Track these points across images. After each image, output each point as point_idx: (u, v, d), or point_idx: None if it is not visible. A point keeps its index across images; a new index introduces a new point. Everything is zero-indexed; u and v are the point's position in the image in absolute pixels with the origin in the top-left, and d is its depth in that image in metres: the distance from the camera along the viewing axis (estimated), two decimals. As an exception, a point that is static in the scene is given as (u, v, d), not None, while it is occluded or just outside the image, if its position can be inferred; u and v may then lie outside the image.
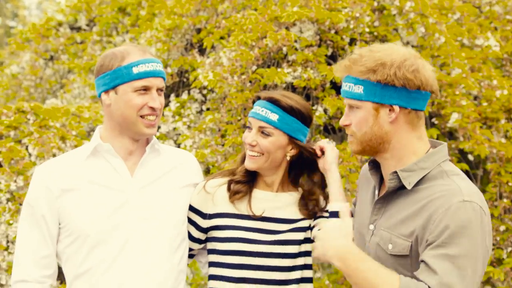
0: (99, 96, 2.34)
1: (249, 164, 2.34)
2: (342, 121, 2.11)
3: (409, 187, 2.03)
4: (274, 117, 2.30)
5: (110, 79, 2.28)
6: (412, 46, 4.28)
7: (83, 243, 2.21)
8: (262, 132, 2.32)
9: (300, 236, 2.37)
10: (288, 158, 2.38)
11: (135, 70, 2.26)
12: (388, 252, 2.02)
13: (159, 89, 2.31)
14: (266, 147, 2.31)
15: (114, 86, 2.28)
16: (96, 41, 6.01)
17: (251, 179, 2.41)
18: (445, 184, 1.98)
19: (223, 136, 4.07)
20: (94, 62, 5.69)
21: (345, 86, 2.07)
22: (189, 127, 4.41)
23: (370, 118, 2.05)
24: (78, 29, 6.56)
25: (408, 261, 1.98)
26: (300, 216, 2.40)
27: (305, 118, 2.37)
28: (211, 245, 2.39)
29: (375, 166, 2.20)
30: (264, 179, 2.41)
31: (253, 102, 2.41)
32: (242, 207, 2.37)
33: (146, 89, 2.27)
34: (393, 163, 2.09)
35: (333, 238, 2.01)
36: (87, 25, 6.47)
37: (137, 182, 2.30)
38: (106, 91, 2.29)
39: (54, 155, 4.05)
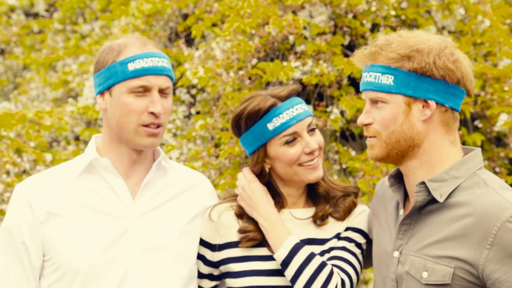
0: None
1: (319, 173, 2.41)
2: (362, 119, 2.15)
3: (440, 199, 2.08)
4: (306, 107, 2.46)
5: (104, 78, 2.29)
6: (449, 32, 4.34)
7: (73, 280, 2.23)
8: (311, 130, 2.42)
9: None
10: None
11: (131, 66, 2.25)
12: (423, 281, 2.06)
13: (162, 90, 2.30)
14: (322, 142, 2.45)
15: (109, 87, 2.30)
16: (57, 31, 6.09)
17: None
18: (484, 195, 2.04)
19: (217, 145, 4.12)
20: (55, 57, 5.76)
21: (369, 77, 2.12)
22: (175, 135, 4.46)
23: (400, 114, 2.10)
24: (35, 15, 6.63)
25: None
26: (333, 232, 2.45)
27: None
28: (227, 283, 2.44)
29: (397, 181, 2.26)
30: (293, 193, 2.47)
31: (255, 119, 2.39)
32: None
33: (145, 89, 2.27)
34: (422, 173, 2.14)
35: None
36: (47, 10, 6.55)
37: (139, 207, 2.33)
38: (102, 93, 2.32)
39: (7, 173, 4.11)
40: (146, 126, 2.27)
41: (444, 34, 4.30)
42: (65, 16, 6.13)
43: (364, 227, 2.47)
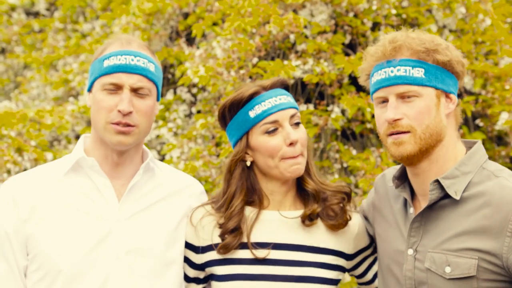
0: None
1: (300, 167, 2.35)
2: (393, 115, 2.10)
3: (457, 196, 2.09)
4: (292, 99, 2.41)
5: (89, 76, 2.33)
6: (450, 31, 4.34)
7: (54, 280, 2.22)
8: (294, 124, 2.37)
9: (328, 274, 2.37)
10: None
11: (106, 63, 2.26)
12: (447, 276, 2.07)
13: (136, 90, 2.27)
14: (305, 138, 2.38)
15: (91, 84, 2.32)
16: (58, 30, 6.10)
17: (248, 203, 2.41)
18: (497, 185, 2.06)
19: (217, 144, 4.13)
20: (56, 56, 5.77)
21: (397, 71, 2.10)
22: (175, 134, 4.47)
23: (433, 108, 2.11)
24: (36, 14, 6.64)
25: (473, 283, 2.04)
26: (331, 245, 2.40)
27: None
28: (213, 286, 2.41)
29: (401, 182, 2.26)
30: (278, 191, 2.40)
31: (237, 107, 2.37)
32: (245, 234, 2.38)
33: (116, 87, 2.26)
34: (435, 169, 2.15)
35: None
36: (47, 9, 6.56)
37: (124, 210, 2.31)
38: (89, 91, 2.34)
39: (8, 171, 4.11)
40: (116, 124, 2.25)
41: (445, 33, 4.30)
42: (65, 15, 6.14)
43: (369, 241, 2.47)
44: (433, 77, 2.11)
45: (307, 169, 2.41)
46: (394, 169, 2.37)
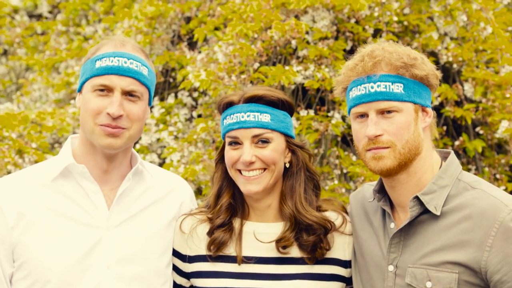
0: None
1: (252, 188, 2.31)
2: (374, 131, 2.12)
3: (437, 212, 2.11)
4: (266, 118, 2.32)
5: (80, 76, 2.29)
6: (451, 39, 4.35)
7: None
8: (260, 141, 2.32)
9: (325, 286, 2.35)
10: (287, 165, 2.40)
11: (98, 64, 2.22)
12: None
13: (127, 93, 2.24)
14: (271, 158, 2.32)
15: (81, 85, 2.28)
16: (61, 32, 6.11)
17: (233, 212, 2.40)
18: (476, 198, 2.08)
19: (218, 148, 4.12)
20: (58, 58, 5.78)
21: (377, 87, 2.12)
22: (176, 137, 4.47)
23: (412, 122, 2.13)
24: (39, 17, 6.65)
25: None
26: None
27: (292, 110, 2.44)
28: None
29: (382, 195, 2.27)
30: (256, 206, 2.40)
31: (219, 111, 2.42)
32: (229, 246, 2.37)
33: (107, 89, 2.21)
34: (414, 181, 2.16)
35: None
36: (50, 12, 6.57)
37: (114, 217, 2.29)
38: (80, 92, 2.31)
39: (9, 173, 4.12)
40: (105, 126, 2.21)
41: (446, 41, 4.31)
42: (68, 17, 6.15)
43: None
44: (412, 92, 2.12)
45: (291, 191, 2.37)
46: (370, 185, 2.38)
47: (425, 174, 2.17)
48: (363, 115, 2.16)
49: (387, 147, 2.12)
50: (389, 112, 2.12)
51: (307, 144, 2.50)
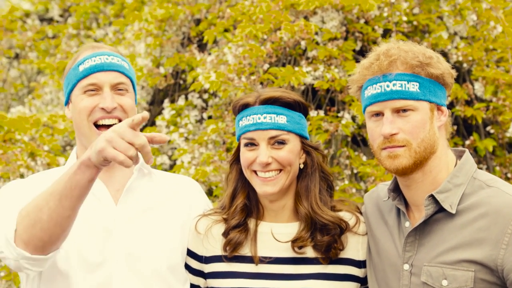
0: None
1: (268, 189, 2.32)
2: (390, 130, 2.12)
3: (452, 210, 2.11)
4: (282, 119, 2.34)
5: (65, 88, 2.33)
6: (461, 38, 4.35)
7: (53, 283, 2.21)
8: (276, 143, 2.34)
9: (340, 286, 2.35)
10: (301, 166, 2.41)
11: (81, 68, 2.28)
12: None
13: (115, 86, 2.28)
14: (287, 159, 2.33)
15: (69, 95, 2.32)
16: (72, 36, 6.15)
17: (248, 212, 2.42)
18: (492, 196, 2.08)
19: (228, 150, 4.14)
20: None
21: (393, 86, 2.12)
22: (187, 139, 4.49)
23: (428, 121, 2.13)
24: (50, 20, 6.69)
25: None
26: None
27: (306, 111, 2.45)
28: None
29: (397, 194, 2.27)
30: (271, 207, 2.42)
31: (234, 113, 2.42)
32: (244, 246, 2.38)
33: (96, 88, 2.26)
34: (429, 180, 2.16)
35: None
36: (61, 15, 6.61)
37: (122, 212, 2.31)
38: (67, 104, 2.35)
39: (21, 176, 4.15)
40: (98, 125, 2.24)
41: (456, 40, 4.31)
42: (79, 21, 6.19)
43: None
44: (427, 90, 2.13)
45: (306, 191, 2.39)
46: (384, 185, 2.38)
47: (440, 173, 2.16)
48: (378, 114, 2.17)
49: (403, 146, 2.13)
50: (404, 110, 2.13)
51: (321, 145, 2.49)
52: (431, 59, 2.14)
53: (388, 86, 2.13)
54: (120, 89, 2.30)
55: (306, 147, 2.40)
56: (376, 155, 2.20)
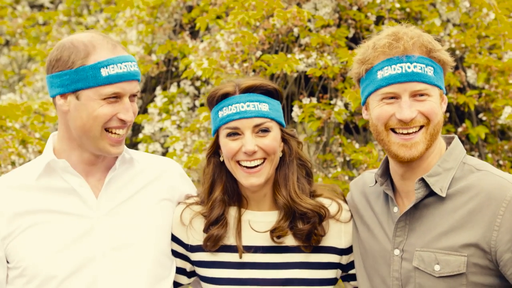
0: (53, 97, 2.27)
1: (254, 181, 2.30)
2: (411, 114, 2.06)
3: (442, 194, 2.11)
4: (265, 107, 2.32)
5: (69, 80, 2.20)
6: (454, 25, 4.35)
7: (42, 284, 2.19)
8: (260, 131, 2.31)
9: (322, 274, 2.37)
10: (280, 154, 2.38)
11: (104, 72, 2.18)
12: (436, 274, 2.08)
13: (132, 95, 2.26)
14: (272, 147, 2.31)
15: (75, 90, 2.22)
16: (62, 22, 6.11)
17: (227, 204, 2.39)
18: (482, 179, 2.08)
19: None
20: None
21: (414, 68, 2.08)
22: (179, 126, 4.48)
23: (439, 107, 2.14)
24: (40, 7, 6.65)
25: (463, 280, 2.06)
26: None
27: (282, 99, 2.44)
28: (203, 286, 2.43)
29: (385, 179, 2.27)
30: (252, 197, 2.41)
31: (211, 103, 2.37)
32: (228, 236, 2.38)
33: (117, 96, 2.22)
34: (423, 166, 2.17)
35: None
36: (51, 2, 6.57)
37: (103, 204, 2.29)
38: (63, 94, 2.23)
39: (13, 163, 4.14)
40: (109, 131, 2.22)
41: (448, 27, 4.31)
42: (70, 7, 6.15)
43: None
44: (438, 76, 2.13)
45: (284, 180, 2.37)
46: (370, 172, 2.38)
47: (434, 159, 2.17)
48: (393, 97, 2.11)
49: (419, 130, 2.09)
50: (421, 95, 2.10)
51: (296, 133, 2.48)
52: (439, 46, 2.15)
53: (409, 67, 2.08)
54: (134, 95, 2.28)
55: (285, 135, 2.39)
56: (380, 136, 2.14)
